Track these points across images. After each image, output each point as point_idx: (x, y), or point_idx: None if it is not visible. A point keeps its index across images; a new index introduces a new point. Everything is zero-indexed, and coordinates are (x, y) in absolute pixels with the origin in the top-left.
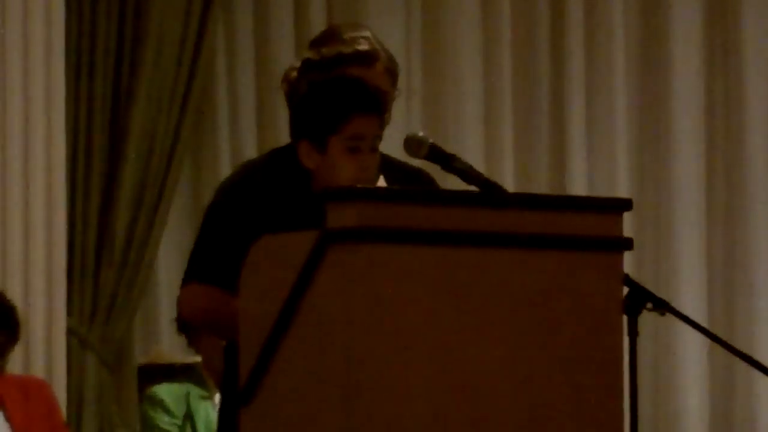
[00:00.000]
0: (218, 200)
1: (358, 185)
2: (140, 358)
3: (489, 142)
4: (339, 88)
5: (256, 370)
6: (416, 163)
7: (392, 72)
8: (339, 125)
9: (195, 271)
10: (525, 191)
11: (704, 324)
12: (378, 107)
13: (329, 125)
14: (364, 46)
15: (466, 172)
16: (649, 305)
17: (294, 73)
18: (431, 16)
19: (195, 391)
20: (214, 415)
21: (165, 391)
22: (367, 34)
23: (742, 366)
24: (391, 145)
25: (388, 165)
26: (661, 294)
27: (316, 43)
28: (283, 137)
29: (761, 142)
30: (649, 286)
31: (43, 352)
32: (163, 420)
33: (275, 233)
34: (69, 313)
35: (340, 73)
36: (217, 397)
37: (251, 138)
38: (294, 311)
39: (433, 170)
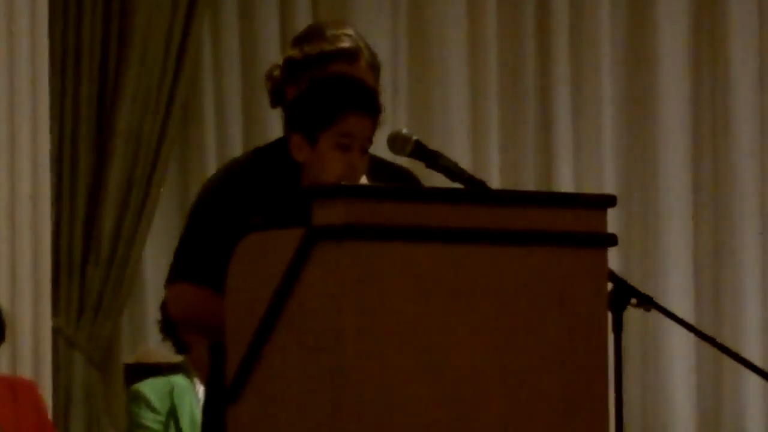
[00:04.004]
0: (203, 199)
1: (343, 183)
2: (128, 357)
3: (475, 139)
4: (337, 85)
5: (243, 367)
6: (401, 160)
7: (375, 68)
8: (332, 120)
9: (181, 271)
10: (511, 188)
11: (691, 320)
12: (373, 109)
13: (322, 119)
14: (346, 44)
15: (451, 170)
16: (634, 301)
17: (277, 72)
18: (418, 13)
19: (179, 384)
20: (198, 409)
21: (148, 387)
22: (350, 31)
23: (729, 362)
24: (376, 142)
25: (373, 164)
26: (649, 290)
27: (299, 40)
28: (270, 135)
29: (748, 138)
30: (637, 283)
31: (30, 352)
32: (147, 417)
33: (262, 230)
34: (55, 312)
35: (323, 70)
36: (200, 389)
37: (238, 136)
38: (280, 309)
39: (418, 167)
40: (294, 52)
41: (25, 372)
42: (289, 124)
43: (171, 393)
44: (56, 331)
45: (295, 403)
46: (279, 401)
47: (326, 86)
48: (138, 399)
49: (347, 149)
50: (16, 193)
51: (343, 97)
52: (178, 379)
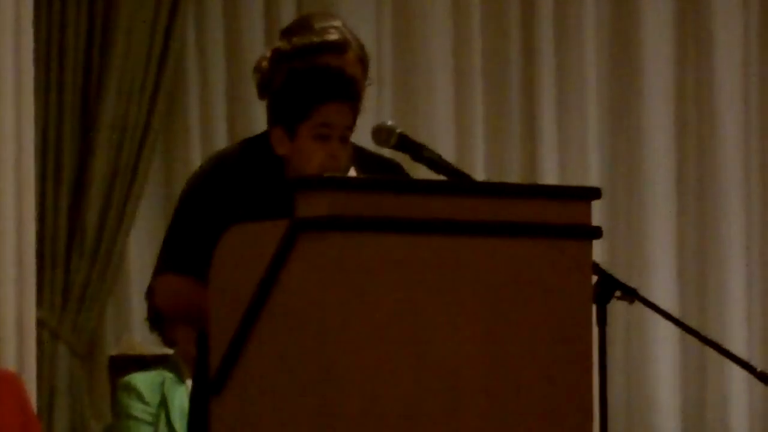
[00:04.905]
0: (190, 190)
1: (326, 173)
2: (112, 348)
3: (460, 131)
4: (312, 76)
5: (227, 359)
6: (385, 152)
7: (363, 61)
8: (308, 112)
9: (168, 262)
10: (496, 180)
11: (676, 312)
12: (349, 96)
13: (299, 111)
14: (334, 36)
15: (436, 162)
16: (618, 293)
17: (265, 63)
18: (402, 5)
19: (169, 377)
20: (188, 402)
21: (140, 379)
22: (338, 23)
23: (713, 354)
24: (361, 134)
25: (361, 156)
26: (633, 282)
27: (288, 32)
28: (255, 127)
29: (732, 130)
30: (621, 274)
31: (14, 343)
32: (137, 408)
33: (246, 222)
34: (40, 304)
35: (311, 62)
36: (189, 382)
37: (222, 128)
38: (264, 300)
39: (403, 159)
40: (282, 44)
41: (9, 363)
42: (269, 118)
43: (162, 385)
44: (40, 323)
45: (279, 395)
46: (263, 393)
47: (301, 78)
48: (129, 390)
49: (327, 139)
50: (0, 185)
51: (318, 87)
52: (169, 372)
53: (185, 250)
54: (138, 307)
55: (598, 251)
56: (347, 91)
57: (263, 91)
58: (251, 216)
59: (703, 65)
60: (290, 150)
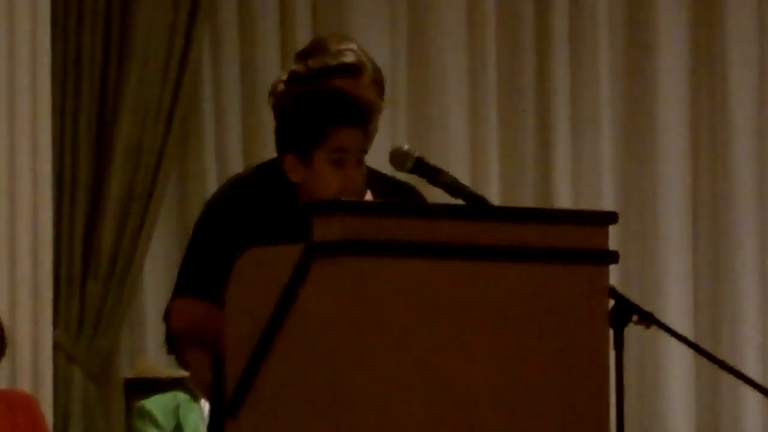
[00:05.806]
0: (207, 215)
1: (343, 198)
2: (126, 371)
3: (474, 154)
4: (322, 101)
5: (242, 383)
6: (402, 176)
7: (379, 83)
8: (322, 138)
9: (184, 285)
10: (510, 203)
11: (690, 335)
12: (362, 119)
13: (313, 138)
14: (350, 59)
15: (452, 186)
16: (635, 318)
17: (281, 86)
18: (416, 28)
19: (184, 399)
20: (203, 425)
21: (154, 403)
22: (354, 46)
23: (727, 377)
24: (376, 156)
25: (376, 179)
26: (647, 305)
27: (303, 55)
28: (269, 150)
29: (747, 153)
30: (635, 298)
31: (30, 365)
32: None
33: (261, 246)
34: (55, 326)
35: (326, 85)
36: (205, 405)
37: (237, 151)
38: (280, 324)
39: (419, 183)
40: (297, 67)
41: (25, 386)
42: (280, 146)
43: (177, 409)
44: (55, 345)
45: (294, 418)
46: (278, 416)
47: (311, 103)
48: (143, 415)
49: (342, 163)
50: (17, 208)
51: (330, 113)
52: (183, 395)
53: (201, 274)
54: (153, 330)
55: (611, 275)
56: (361, 116)
57: (280, 114)
58: (266, 241)
59: (718, 89)
60: (304, 176)
